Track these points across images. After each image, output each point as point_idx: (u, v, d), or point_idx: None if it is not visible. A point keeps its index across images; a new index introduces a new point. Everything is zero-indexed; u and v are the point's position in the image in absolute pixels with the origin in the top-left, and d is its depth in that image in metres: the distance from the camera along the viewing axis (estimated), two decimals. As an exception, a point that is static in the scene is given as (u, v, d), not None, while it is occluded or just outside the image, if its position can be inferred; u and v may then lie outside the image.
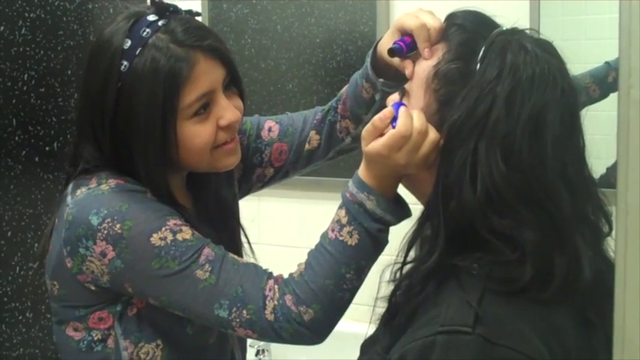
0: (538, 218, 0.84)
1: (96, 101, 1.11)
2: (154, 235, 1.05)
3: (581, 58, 1.86)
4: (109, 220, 1.05)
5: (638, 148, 0.48)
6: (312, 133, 1.34)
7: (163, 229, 1.06)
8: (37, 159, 1.94)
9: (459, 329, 0.78)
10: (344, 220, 1.04)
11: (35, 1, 1.91)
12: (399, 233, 0.96)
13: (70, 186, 1.13)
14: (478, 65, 0.88)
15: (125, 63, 1.07)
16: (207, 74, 1.09)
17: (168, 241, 1.05)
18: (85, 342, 1.14)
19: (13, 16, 1.85)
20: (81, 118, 1.19)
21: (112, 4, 2.17)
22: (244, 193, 1.40)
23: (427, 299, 0.86)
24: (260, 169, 1.37)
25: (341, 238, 1.04)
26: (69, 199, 1.11)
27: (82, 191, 1.10)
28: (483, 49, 0.88)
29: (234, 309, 1.06)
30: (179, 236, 1.06)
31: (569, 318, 0.84)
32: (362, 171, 1.02)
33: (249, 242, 1.31)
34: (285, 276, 1.09)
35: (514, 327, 0.80)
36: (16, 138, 1.87)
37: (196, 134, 1.10)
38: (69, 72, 2.03)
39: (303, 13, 2.32)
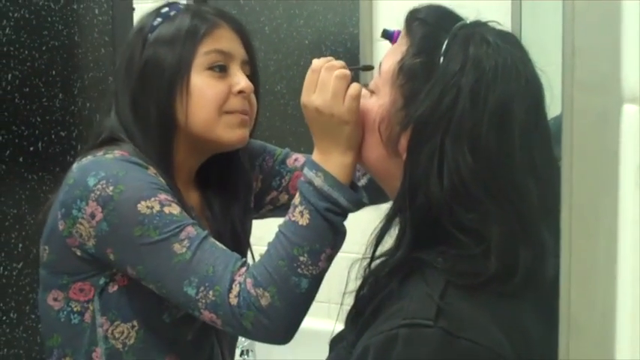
0: (504, 211, 0.84)
1: (125, 60, 1.21)
2: (142, 203, 1.07)
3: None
4: (103, 182, 1.08)
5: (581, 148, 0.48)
6: None
7: (153, 199, 1.08)
8: (21, 159, 1.93)
9: (420, 322, 0.78)
10: (297, 202, 1.05)
11: (19, 1, 1.90)
12: (367, 229, 0.95)
13: (79, 157, 1.18)
14: (441, 59, 0.87)
15: (155, 23, 1.20)
16: (228, 39, 1.20)
17: (154, 211, 1.07)
18: (65, 312, 1.17)
19: (-4, 16, 1.85)
20: (112, 90, 1.28)
21: (97, 4, 2.17)
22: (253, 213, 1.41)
23: (391, 293, 0.85)
24: (276, 192, 1.39)
25: (293, 219, 1.04)
26: (74, 165, 1.15)
27: (87, 158, 1.14)
28: (446, 42, 0.88)
29: (202, 288, 1.05)
30: (166, 209, 1.08)
31: (533, 311, 0.84)
32: (314, 153, 1.06)
33: (253, 258, 1.30)
34: None
35: (475, 319, 0.79)
36: (0, 138, 1.87)
37: (209, 85, 1.17)
38: (53, 72, 2.02)
39: (291, 14, 2.32)
